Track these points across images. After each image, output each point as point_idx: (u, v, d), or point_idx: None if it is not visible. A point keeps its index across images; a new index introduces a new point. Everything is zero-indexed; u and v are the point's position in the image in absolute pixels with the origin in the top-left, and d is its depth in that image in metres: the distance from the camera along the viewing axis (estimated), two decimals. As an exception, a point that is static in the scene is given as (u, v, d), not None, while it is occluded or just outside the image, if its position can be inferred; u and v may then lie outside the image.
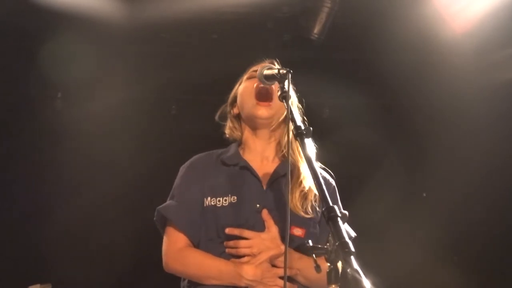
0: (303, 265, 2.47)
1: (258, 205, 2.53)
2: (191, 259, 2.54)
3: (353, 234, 2.68)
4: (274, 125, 2.71)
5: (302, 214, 2.53)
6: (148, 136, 5.82)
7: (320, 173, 2.38)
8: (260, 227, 2.50)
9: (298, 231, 2.51)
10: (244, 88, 2.75)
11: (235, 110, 2.82)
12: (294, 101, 2.76)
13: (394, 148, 6.09)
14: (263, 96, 2.63)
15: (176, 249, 2.58)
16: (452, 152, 5.86)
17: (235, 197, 2.54)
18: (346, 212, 2.46)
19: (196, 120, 5.81)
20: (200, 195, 2.59)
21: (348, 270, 1.59)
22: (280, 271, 2.45)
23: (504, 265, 5.88)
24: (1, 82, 5.39)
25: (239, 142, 2.81)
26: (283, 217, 2.44)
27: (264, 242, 2.46)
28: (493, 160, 5.72)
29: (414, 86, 5.60)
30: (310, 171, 1.98)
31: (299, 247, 2.49)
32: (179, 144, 5.66)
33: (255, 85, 2.65)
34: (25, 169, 5.69)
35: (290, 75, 2.30)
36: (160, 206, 2.67)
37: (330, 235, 1.74)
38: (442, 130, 5.87)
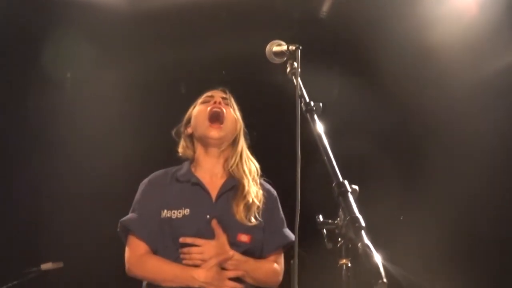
0: (250, 267, 2.87)
1: (208, 216, 2.86)
2: (150, 265, 2.86)
3: (292, 237, 2.96)
4: (224, 146, 3.07)
5: (247, 222, 2.87)
6: (157, 115, 5.81)
7: (263, 186, 3.08)
8: (210, 235, 2.83)
9: (244, 238, 2.87)
10: (198, 111, 3.08)
11: (189, 130, 3.14)
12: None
13: (393, 147, 6.09)
14: (214, 118, 3.01)
15: (137, 256, 2.89)
16: (453, 151, 5.84)
17: (188, 210, 2.86)
18: (357, 187, 2.48)
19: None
20: (158, 208, 2.89)
21: (359, 245, 1.60)
22: (229, 273, 2.81)
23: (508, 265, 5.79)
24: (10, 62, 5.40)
25: (191, 160, 3.11)
26: (230, 225, 2.86)
27: (214, 248, 2.80)
28: (496, 157, 5.67)
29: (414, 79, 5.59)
30: (321, 148, 1.99)
31: (246, 251, 2.88)
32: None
33: (208, 108, 3.04)
34: (36, 148, 5.69)
35: (299, 51, 2.31)
36: (123, 219, 2.98)
37: (340, 210, 1.75)
38: (444, 128, 5.83)
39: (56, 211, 5.68)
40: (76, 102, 5.67)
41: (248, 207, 2.92)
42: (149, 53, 5.56)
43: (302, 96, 2.20)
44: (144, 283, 2.96)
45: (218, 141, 3.03)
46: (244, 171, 3.02)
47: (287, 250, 3.10)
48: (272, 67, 2.52)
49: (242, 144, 3.12)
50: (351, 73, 5.60)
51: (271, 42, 2.44)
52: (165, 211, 2.88)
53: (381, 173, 5.92)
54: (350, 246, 1.69)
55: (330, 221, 1.79)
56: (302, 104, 2.18)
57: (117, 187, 5.68)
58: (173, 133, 3.25)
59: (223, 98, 3.13)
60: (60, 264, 4.89)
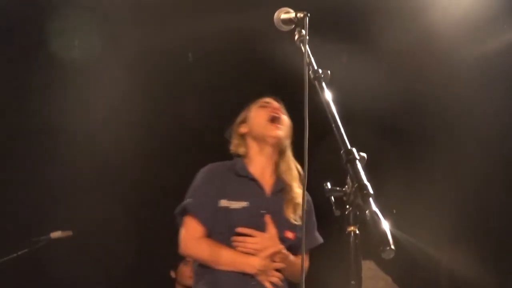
0: (291, 262, 3.06)
1: (262, 211, 3.05)
2: (207, 247, 3.02)
3: (321, 240, 3.33)
4: (278, 147, 3.27)
5: (293, 221, 3.10)
6: (165, 83, 5.81)
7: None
8: (262, 228, 3.03)
9: (290, 234, 3.09)
10: (258, 113, 3.28)
11: (243, 130, 3.31)
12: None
13: (402, 130, 6.08)
14: (275, 120, 3.22)
15: (195, 238, 3.05)
16: (462, 136, 5.83)
17: (247, 203, 3.04)
18: (365, 155, 2.49)
19: (211, 68, 5.81)
20: (216, 197, 3.07)
21: (367, 212, 1.60)
22: (276, 265, 3.01)
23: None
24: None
25: (243, 157, 3.28)
26: (279, 222, 3.07)
27: (266, 240, 3.00)
28: (503, 135, 5.68)
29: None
30: (329, 115, 1.99)
31: (289, 247, 3.08)
32: (196, 90, 5.68)
33: (268, 112, 3.25)
34: (48, 119, 5.71)
35: (307, 18, 2.29)
36: (183, 203, 3.12)
37: (348, 177, 1.75)
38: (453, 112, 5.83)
39: (65, 180, 5.71)
40: (83, 76, 5.65)
41: (294, 207, 3.14)
42: (155, 25, 5.52)
43: (310, 63, 2.18)
44: (195, 264, 3.13)
45: (276, 140, 3.23)
46: (292, 176, 3.22)
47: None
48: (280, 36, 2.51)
49: (290, 151, 3.29)
50: (356, 46, 5.55)
51: (279, 10, 2.41)
52: (224, 201, 3.05)
53: (391, 151, 5.93)
54: (358, 213, 1.69)
55: (338, 188, 1.79)
56: (310, 72, 2.16)
57: (124, 159, 5.73)
58: (226, 133, 3.42)
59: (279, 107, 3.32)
60: (69, 233, 4.91)
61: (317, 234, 3.30)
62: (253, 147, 3.27)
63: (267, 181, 3.22)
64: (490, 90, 5.65)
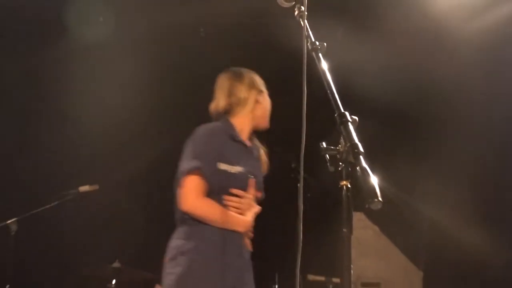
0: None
1: (249, 175, 3.07)
2: (207, 206, 2.96)
3: None
4: None
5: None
6: (177, 56, 5.78)
7: None
8: (246, 190, 3.05)
9: (259, 194, 3.14)
10: (267, 107, 3.31)
11: (259, 100, 3.26)
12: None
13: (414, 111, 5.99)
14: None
15: (197, 195, 2.95)
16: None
17: (241, 168, 3.03)
18: (356, 118, 2.49)
19: (222, 43, 5.77)
20: (216, 159, 2.99)
21: (358, 168, 1.64)
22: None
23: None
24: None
25: (228, 118, 3.21)
26: (257, 183, 3.12)
27: (249, 201, 3.04)
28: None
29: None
30: (325, 82, 2.00)
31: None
32: (207, 64, 5.66)
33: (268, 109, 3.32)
34: (77, 82, 5.71)
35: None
36: (190, 163, 3.00)
37: (341, 137, 1.77)
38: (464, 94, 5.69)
39: (93, 138, 5.72)
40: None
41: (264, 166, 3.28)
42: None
43: (308, 36, 2.18)
44: (186, 217, 3.01)
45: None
46: (256, 139, 3.33)
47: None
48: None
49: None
50: (363, 32, 5.47)
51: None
52: (223, 164, 2.98)
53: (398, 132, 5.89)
54: (349, 169, 1.71)
55: (332, 147, 1.80)
56: (308, 44, 2.16)
57: (144, 122, 5.73)
58: (245, 81, 3.29)
59: None
60: (96, 187, 4.93)
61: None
62: (253, 116, 3.26)
63: (251, 148, 3.26)
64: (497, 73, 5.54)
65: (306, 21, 2.22)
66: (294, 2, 2.31)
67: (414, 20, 5.28)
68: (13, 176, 5.70)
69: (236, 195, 3.02)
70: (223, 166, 2.99)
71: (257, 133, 3.33)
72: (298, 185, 2.61)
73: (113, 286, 4.99)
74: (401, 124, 6.05)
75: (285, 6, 2.40)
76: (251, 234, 3.07)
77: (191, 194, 2.96)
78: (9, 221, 4.64)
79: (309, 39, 2.16)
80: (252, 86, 3.26)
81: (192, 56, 5.80)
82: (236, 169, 3.01)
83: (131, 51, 5.58)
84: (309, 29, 2.21)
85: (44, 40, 5.55)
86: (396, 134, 5.99)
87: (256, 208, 3.08)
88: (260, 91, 3.29)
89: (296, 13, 2.29)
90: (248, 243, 3.07)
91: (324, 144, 1.83)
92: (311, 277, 5.55)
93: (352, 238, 1.72)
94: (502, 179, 5.77)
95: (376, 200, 1.55)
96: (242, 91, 3.21)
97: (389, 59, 5.53)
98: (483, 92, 5.57)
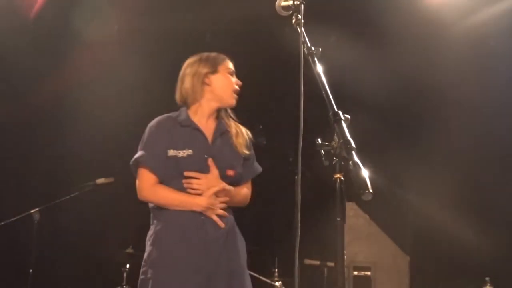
0: (233, 193, 2.99)
1: (205, 156, 2.93)
2: (161, 193, 2.92)
3: (260, 169, 3.20)
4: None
5: (232, 161, 3.01)
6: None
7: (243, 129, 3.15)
8: (207, 171, 2.92)
9: (230, 172, 2.98)
10: (228, 82, 3.07)
11: (207, 81, 3.05)
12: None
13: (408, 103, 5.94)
14: (237, 92, 3.08)
15: (149, 185, 2.94)
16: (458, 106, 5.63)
17: (191, 151, 2.91)
18: (349, 117, 2.50)
19: (228, 45, 5.75)
20: (165, 147, 2.92)
21: (350, 162, 1.65)
22: (220, 199, 2.92)
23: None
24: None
25: (188, 106, 3.07)
26: (221, 163, 2.95)
27: (210, 181, 2.90)
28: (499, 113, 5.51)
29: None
30: (320, 84, 2.01)
31: (231, 183, 2.98)
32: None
33: (234, 84, 3.07)
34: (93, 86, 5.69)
35: (303, 5, 2.29)
36: (136, 156, 2.99)
37: (335, 134, 1.79)
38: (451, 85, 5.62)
39: (108, 134, 5.72)
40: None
41: (239, 144, 3.06)
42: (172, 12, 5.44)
43: (304, 42, 2.19)
44: (151, 206, 3.01)
45: (229, 107, 3.13)
46: (230, 120, 3.13)
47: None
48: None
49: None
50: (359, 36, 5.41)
51: (280, -3, 2.43)
52: (172, 150, 2.91)
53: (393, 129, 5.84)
54: (343, 163, 1.72)
55: (326, 143, 1.82)
56: (304, 49, 2.18)
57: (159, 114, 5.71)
58: (186, 68, 3.13)
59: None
60: (111, 179, 4.95)
61: (256, 165, 3.19)
62: (206, 100, 3.06)
63: (209, 128, 3.05)
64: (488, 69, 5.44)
65: (302, 28, 2.24)
66: (291, 11, 2.33)
67: (407, 21, 5.17)
68: (36, 169, 5.71)
69: (193, 177, 2.90)
70: (171, 153, 2.91)
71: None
72: (296, 177, 2.53)
73: (127, 269, 5.06)
74: (392, 119, 6.02)
75: (283, 15, 2.42)
76: (219, 211, 2.91)
77: (143, 185, 2.96)
78: (32, 211, 4.66)
79: (305, 45, 2.18)
80: (196, 72, 3.07)
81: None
82: (185, 152, 2.90)
83: (146, 52, 5.53)
84: (305, 36, 2.23)
85: (52, 39, 5.51)
86: (387, 129, 5.96)
87: (218, 186, 2.91)
88: (210, 72, 3.07)
89: (293, 21, 2.30)
90: (216, 219, 2.90)
91: (319, 140, 1.85)
92: (307, 261, 5.56)
93: (345, 226, 1.73)
94: (487, 168, 5.73)
95: (367, 191, 1.57)
96: (187, 82, 3.07)
97: (384, 61, 5.50)
98: (472, 88, 5.52)
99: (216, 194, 2.91)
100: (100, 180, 4.91)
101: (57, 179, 5.59)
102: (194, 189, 2.89)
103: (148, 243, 2.97)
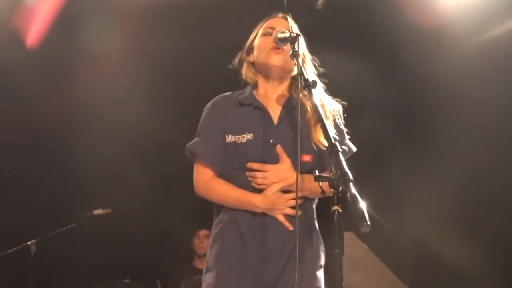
0: (311, 185, 2.31)
1: (271, 140, 2.45)
2: (216, 189, 2.51)
3: (354, 148, 2.60)
4: (284, 77, 2.62)
5: (309, 143, 2.45)
6: (183, 88, 5.72)
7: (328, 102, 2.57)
8: (274, 160, 2.43)
9: (307, 158, 2.44)
10: (261, 45, 2.62)
11: (251, 58, 2.68)
12: (307, 56, 2.64)
13: (401, 112, 5.84)
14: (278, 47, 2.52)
15: (204, 180, 2.53)
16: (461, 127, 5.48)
17: (252, 134, 2.46)
18: (346, 148, 2.50)
19: (224, 77, 5.74)
20: (222, 133, 2.52)
21: (348, 194, 1.65)
22: (290, 195, 2.40)
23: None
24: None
25: (254, 85, 2.68)
26: (294, 147, 2.36)
27: (279, 173, 2.40)
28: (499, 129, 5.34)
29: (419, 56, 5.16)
30: (317, 116, 2.05)
31: (309, 171, 2.40)
32: (210, 96, 5.64)
33: (270, 47, 2.54)
34: (89, 112, 5.67)
35: (300, 38, 2.32)
36: (189, 144, 2.61)
37: (333, 166, 1.78)
38: (451, 101, 5.47)
39: (105, 165, 5.70)
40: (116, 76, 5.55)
41: (314, 125, 2.47)
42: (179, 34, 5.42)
43: (302, 74, 2.21)
44: (215, 204, 2.60)
45: (279, 69, 2.57)
46: (304, 94, 2.41)
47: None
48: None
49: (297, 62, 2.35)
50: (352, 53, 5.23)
51: (277, 30, 2.43)
52: (230, 136, 2.49)
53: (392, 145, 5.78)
54: (340, 195, 1.72)
55: (324, 175, 1.82)
56: (301, 81, 2.20)
57: (155, 148, 5.69)
58: (235, 61, 2.77)
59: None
60: (108, 210, 4.94)
61: (348, 142, 2.58)
62: (260, 76, 2.65)
63: (275, 107, 2.56)
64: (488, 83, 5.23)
65: (300, 60, 2.25)
66: (289, 43, 2.34)
67: (412, 34, 5.00)
68: (33, 200, 5.67)
69: (255, 170, 2.44)
70: (230, 138, 2.49)
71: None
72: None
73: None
74: (392, 145, 5.94)
75: (280, 46, 2.44)
76: (287, 210, 2.41)
77: (198, 179, 2.57)
78: (29, 242, 4.64)
79: (302, 77, 2.20)
80: (240, 59, 2.77)
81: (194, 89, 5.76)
82: (245, 137, 2.47)
83: (141, 78, 5.51)
84: (302, 68, 2.25)
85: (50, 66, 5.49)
86: (385, 157, 5.92)
87: (283, 182, 2.40)
88: (250, 48, 2.72)
89: (290, 53, 2.32)
90: (283, 220, 2.41)
91: (317, 172, 1.85)
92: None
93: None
94: (490, 196, 5.64)
95: (365, 224, 1.57)
96: (246, 59, 2.73)
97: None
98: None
99: (288, 189, 2.42)
100: (98, 211, 4.91)
101: (54, 210, 5.56)
102: (258, 184, 2.44)
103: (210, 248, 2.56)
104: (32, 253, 4.61)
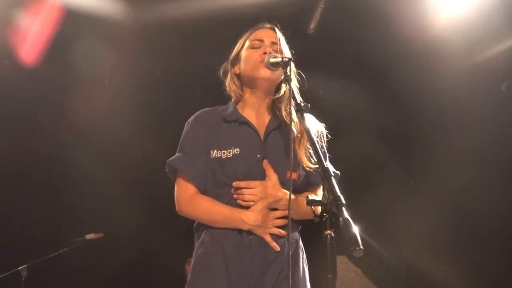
0: (297, 204, 2.32)
1: (258, 156, 2.35)
2: (200, 206, 2.37)
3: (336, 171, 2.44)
4: (271, 90, 2.53)
5: (304, 163, 2.36)
6: (174, 113, 5.71)
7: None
8: (261, 175, 2.34)
9: (294, 175, 2.35)
10: (248, 56, 2.51)
11: (236, 70, 2.57)
12: (294, 78, 2.50)
13: (391, 135, 5.84)
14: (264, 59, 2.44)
15: (187, 196, 2.40)
16: (451, 140, 5.46)
17: (238, 149, 2.35)
18: (338, 172, 2.49)
19: (216, 102, 5.73)
20: (207, 148, 2.40)
21: (340, 219, 1.64)
22: (278, 213, 2.33)
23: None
24: None
25: (237, 100, 2.57)
26: (280, 164, 2.34)
27: (266, 189, 2.31)
28: (492, 150, 5.36)
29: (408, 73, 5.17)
30: (309, 140, 2.02)
31: (295, 188, 2.36)
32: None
33: (259, 57, 2.46)
34: (83, 136, 5.66)
35: (291, 62, 2.28)
36: (170, 159, 2.48)
37: (325, 190, 1.78)
38: (441, 116, 5.50)
39: (97, 190, 5.68)
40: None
41: (299, 141, 2.39)
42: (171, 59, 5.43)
43: (294, 98, 2.21)
44: (196, 223, 2.46)
45: (267, 82, 2.47)
46: (289, 110, 2.39)
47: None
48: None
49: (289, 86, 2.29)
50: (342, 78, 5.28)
51: (268, 55, 2.41)
52: (215, 151, 2.37)
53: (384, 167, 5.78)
54: (333, 219, 1.70)
55: (317, 199, 1.81)
56: (293, 105, 2.20)
57: (147, 172, 5.66)
58: (220, 71, 2.65)
59: (273, 43, 2.51)
60: (101, 235, 4.91)
61: (329, 166, 2.32)
62: (247, 89, 2.53)
63: (263, 122, 2.47)
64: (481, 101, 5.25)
65: (292, 84, 2.24)
66: (280, 68, 2.32)
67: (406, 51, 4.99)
68: (25, 225, 5.63)
69: (242, 187, 2.34)
70: (215, 154, 2.37)
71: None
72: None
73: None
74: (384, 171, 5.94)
75: (272, 71, 2.41)
76: (273, 230, 2.31)
77: (179, 197, 2.43)
78: (20, 267, 4.59)
79: (294, 101, 2.20)
80: (225, 71, 2.64)
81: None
82: (232, 152, 2.35)
83: (133, 103, 5.48)
84: (294, 92, 2.25)
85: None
86: (378, 183, 5.91)
87: (271, 198, 2.30)
88: (236, 59, 2.59)
89: (282, 77, 2.31)
90: (269, 241, 2.30)
91: (309, 196, 1.84)
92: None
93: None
94: (482, 218, 5.61)
95: (358, 248, 1.56)
96: (231, 71, 2.62)
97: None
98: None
99: (275, 207, 2.33)
100: (90, 236, 4.87)
101: (46, 234, 5.51)
102: (245, 201, 2.32)
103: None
104: (24, 278, 4.56)
